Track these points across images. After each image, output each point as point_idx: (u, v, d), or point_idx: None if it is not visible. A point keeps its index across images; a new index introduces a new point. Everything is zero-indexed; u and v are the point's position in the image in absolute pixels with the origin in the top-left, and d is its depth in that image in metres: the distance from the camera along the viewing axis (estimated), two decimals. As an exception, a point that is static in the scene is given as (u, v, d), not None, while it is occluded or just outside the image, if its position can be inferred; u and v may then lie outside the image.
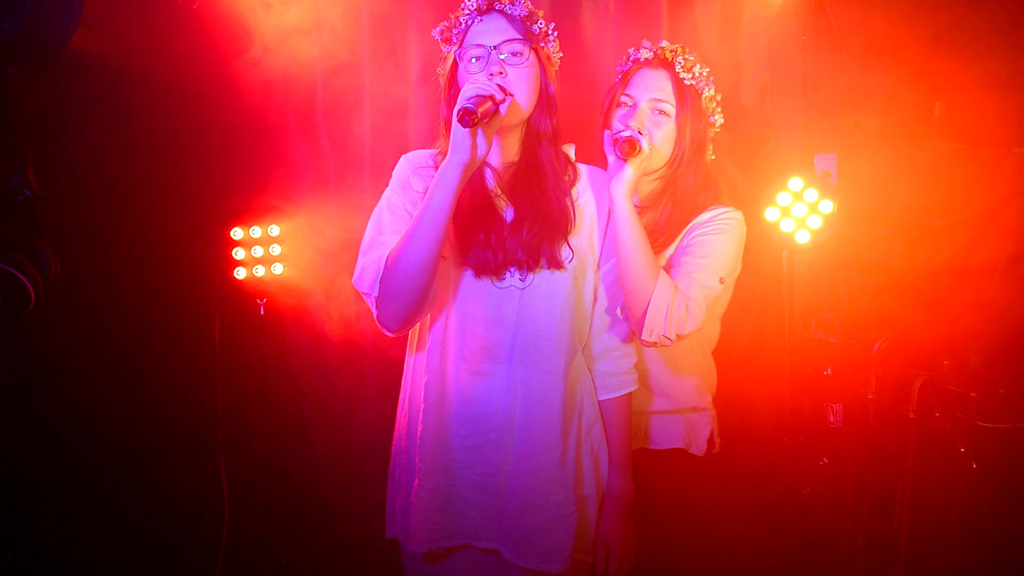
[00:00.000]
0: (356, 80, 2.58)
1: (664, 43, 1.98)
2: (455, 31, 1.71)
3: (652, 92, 1.94)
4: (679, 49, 1.97)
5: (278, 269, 2.59)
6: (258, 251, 2.56)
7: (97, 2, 1.89)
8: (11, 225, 1.77)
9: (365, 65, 2.58)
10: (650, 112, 1.93)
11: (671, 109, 1.93)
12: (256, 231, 2.56)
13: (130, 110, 2.37)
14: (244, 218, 2.55)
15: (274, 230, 2.58)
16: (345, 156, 2.61)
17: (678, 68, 1.95)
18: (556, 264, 1.67)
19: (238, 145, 2.55)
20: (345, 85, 2.57)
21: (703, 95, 1.97)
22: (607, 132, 1.87)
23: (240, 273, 2.55)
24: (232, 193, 2.56)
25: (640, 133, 1.76)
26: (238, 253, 2.55)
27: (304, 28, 2.52)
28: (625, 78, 2.00)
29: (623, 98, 1.97)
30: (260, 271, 2.56)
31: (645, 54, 1.99)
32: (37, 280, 1.74)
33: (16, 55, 1.72)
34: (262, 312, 2.61)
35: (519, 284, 1.67)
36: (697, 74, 1.95)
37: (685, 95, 1.94)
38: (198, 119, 2.49)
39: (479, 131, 1.49)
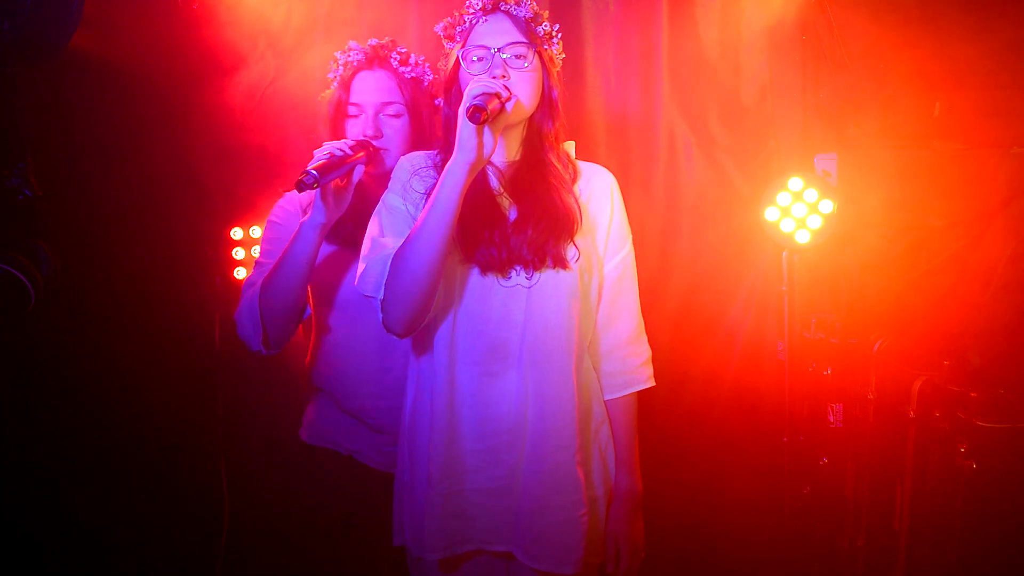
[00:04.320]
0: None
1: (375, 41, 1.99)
2: (459, 29, 1.70)
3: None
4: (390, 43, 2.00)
5: (278, 269, 2.58)
6: (258, 251, 2.56)
7: (97, 2, 1.89)
8: (11, 225, 1.77)
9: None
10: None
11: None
12: (256, 231, 2.56)
13: (130, 110, 2.37)
14: (244, 218, 2.55)
15: (274, 230, 2.58)
16: (345, 156, 2.61)
17: (395, 63, 1.98)
18: (562, 263, 1.65)
19: (238, 145, 2.55)
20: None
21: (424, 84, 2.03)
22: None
23: (240, 273, 2.55)
24: (232, 193, 2.56)
25: None
26: (238, 253, 2.55)
27: (304, 27, 2.52)
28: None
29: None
30: (260, 271, 2.55)
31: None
32: (37, 280, 1.73)
33: (16, 55, 1.72)
34: (262, 312, 2.61)
35: (525, 283, 1.65)
36: (416, 63, 2.00)
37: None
38: (198, 119, 2.49)
39: (486, 129, 1.49)
